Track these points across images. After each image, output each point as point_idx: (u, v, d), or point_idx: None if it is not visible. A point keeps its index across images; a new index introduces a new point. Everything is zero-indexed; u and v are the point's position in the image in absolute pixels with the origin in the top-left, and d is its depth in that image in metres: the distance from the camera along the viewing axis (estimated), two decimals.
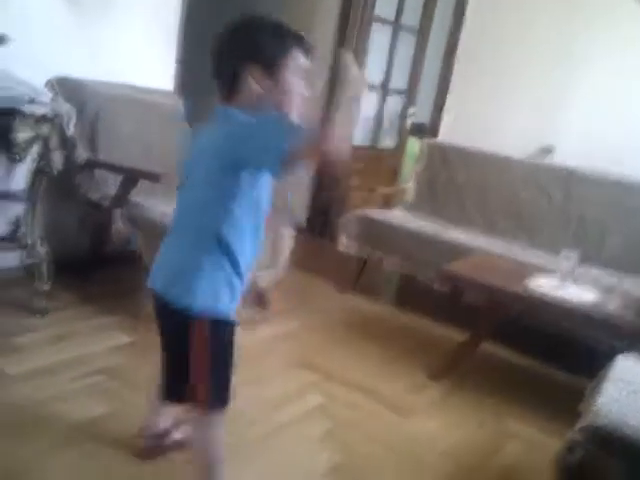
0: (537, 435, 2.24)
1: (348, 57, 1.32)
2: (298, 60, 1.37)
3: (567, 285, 2.45)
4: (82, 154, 2.64)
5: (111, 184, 2.63)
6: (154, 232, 2.42)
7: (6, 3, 2.50)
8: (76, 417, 1.87)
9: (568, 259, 2.51)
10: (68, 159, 2.56)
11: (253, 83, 1.35)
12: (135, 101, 2.93)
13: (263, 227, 1.44)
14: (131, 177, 2.55)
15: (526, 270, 2.63)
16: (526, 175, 3.42)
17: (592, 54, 3.37)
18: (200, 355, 1.39)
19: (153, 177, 2.50)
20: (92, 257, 2.83)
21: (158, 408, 1.70)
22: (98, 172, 2.69)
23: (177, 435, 1.75)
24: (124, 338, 2.45)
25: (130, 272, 2.52)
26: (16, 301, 2.52)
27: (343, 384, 2.39)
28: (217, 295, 1.37)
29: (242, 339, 2.46)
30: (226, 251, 1.36)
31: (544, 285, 2.45)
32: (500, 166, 3.52)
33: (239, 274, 1.40)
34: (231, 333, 1.44)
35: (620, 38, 3.26)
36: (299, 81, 1.38)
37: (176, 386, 1.47)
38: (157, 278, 1.44)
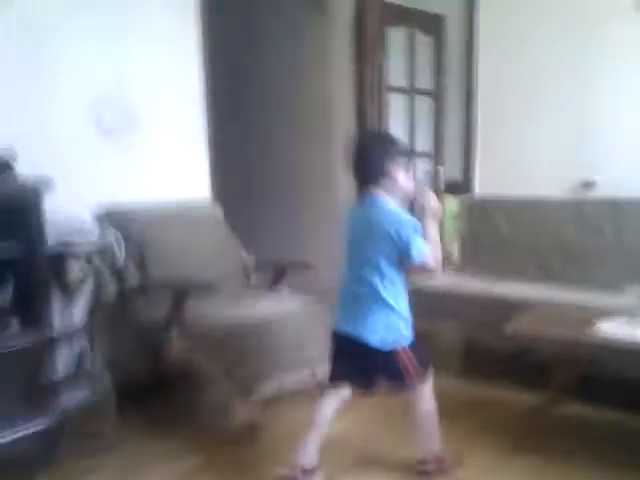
0: None
1: (427, 190, 2.15)
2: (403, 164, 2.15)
3: (638, 323, 2.34)
4: (133, 279, 2.74)
5: (164, 304, 2.70)
6: (215, 342, 2.48)
7: (45, 147, 2.65)
8: None
9: (634, 295, 2.41)
10: (120, 286, 2.66)
11: (397, 175, 2.08)
12: (177, 217, 3.05)
13: None
14: (181, 290, 2.61)
15: (591, 315, 2.51)
16: (572, 213, 3.34)
17: (617, 78, 3.32)
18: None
19: (206, 287, 2.56)
20: (152, 380, 2.85)
21: (311, 450, 2.17)
22: (151, 294, 2.77)
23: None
24: (194, 459, 2.41)
25: (191, 391, 2.52)
26: (84, 435, 2.50)
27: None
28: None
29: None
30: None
31: (614, 328, 2.34)
32: (543, 209, 3.45)
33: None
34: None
35: None
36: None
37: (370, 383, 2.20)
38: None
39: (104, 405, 2.51)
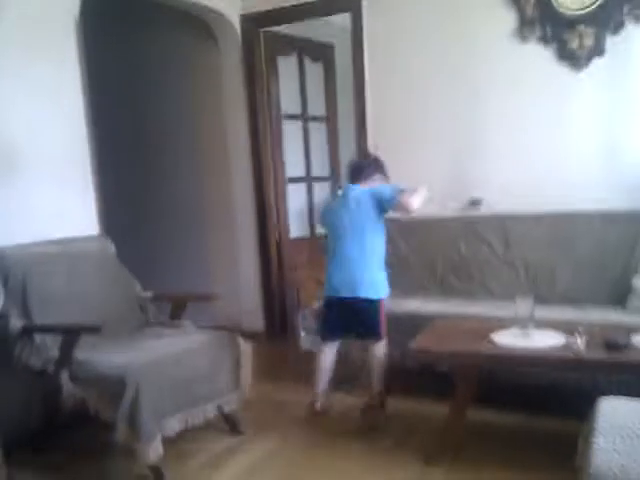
0: None
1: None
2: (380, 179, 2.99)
3: (529, 332, 2.45)
4: (16, 324, 2.52)
5: (52, 347, 2.50)
6: (109, 387, 2.32)
7: None
8: None
9: (523, 306, 2.52)
10: (3, 332, 2.44)
11: (378, 179, 2.96)
12: (61, 255, 2.85)
13: None
14: (70, 335, 2.44)
15: (489, 325, 2.61)
16: (464, 230, 3.49)
17: (500, 101, 3.50)
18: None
19: (93, 330, 2.41)
20: (48, 427, 2.65)
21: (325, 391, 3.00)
22: (37, 337, 2.56)
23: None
24: None
25: (89, 433, 2.36)
26: None
27: None
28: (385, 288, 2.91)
29: (222, 474, 2.33)
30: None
31: (508, 338, 2.44)
32: (437, 227, 3.58)
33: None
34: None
35: (519, 86, 3.45)
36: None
37: (366, 334, 2.89)
38: (351, 287, 2.83)
39: None
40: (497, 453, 2.50)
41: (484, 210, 3.53)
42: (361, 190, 2.87)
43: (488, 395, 2.76)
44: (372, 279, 2.84)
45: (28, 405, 2.67)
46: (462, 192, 3.60)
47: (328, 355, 2.98)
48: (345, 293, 2.84)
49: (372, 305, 2.83)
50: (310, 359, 3.32)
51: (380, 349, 2.89)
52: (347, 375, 3.19)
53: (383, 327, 2.86)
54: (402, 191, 2.76)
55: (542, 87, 3.40)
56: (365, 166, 3.01)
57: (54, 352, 2.48)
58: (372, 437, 2.74)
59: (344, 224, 2.86)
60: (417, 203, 2.75)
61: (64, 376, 2.43)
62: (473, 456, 2.50)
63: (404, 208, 2.75)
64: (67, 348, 2.44)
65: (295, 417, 3.01)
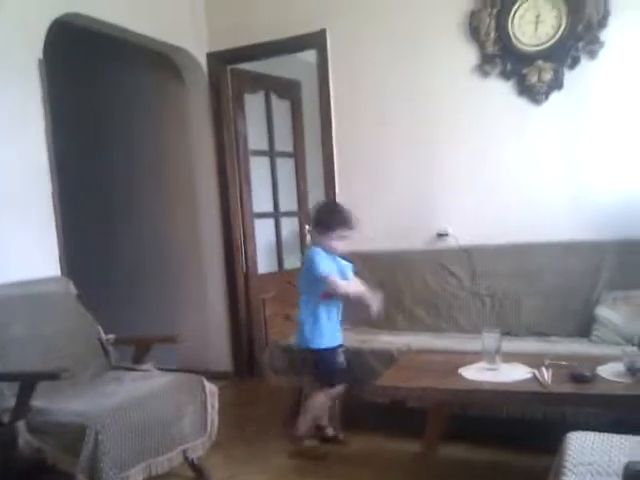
0: None
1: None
2: (343, 232, 2.93)
3: (497, 367, 2.45)
4: None
5: (9, 396, 2.40)
6: (68, 436, 2.24)
7: None
8: None
9: (490, 339, 2.52)
10: None
11: (329, 239, 2.92)
12: (21, 297, 2.77)
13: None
14: (27, 383, 2.35)
15: (458, 360, 2.60)
16: (431, 262, 3.51)
17: (465, 135, 3.56)
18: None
19: (52, 377, 2.33)
20: (3, 478, 2.53)
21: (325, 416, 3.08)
22: None
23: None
24: None
25: None
26: None
27: None
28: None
29: None
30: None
31: (476, 373, 2.43)
32: (404, 259, 3.59)
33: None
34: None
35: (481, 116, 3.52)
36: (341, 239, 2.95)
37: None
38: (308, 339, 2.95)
39: None
40: None
41: (450, 243, 3.56)
42: (308, 253, 2.98)
43: (460, 430, 2.74)
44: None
45: None
46: (429, 225, 3.63)
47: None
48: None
49: (314, 355, 2.96)
50: (282, 396, 3.28)
51: (317, 396, 2.98)
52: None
53: (326, 376, 2.95)
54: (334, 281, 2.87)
55: (503, 120, 3.47)
56: (328, 221, 2.95)
57: (11, 402, 2.39)
58: (342, 475, 2.68)
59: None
60: (347, 290, 2.90)
61: (20, 426, 2.33)
62: None
63: (331, 288, 2.88)
64: (24, 396, 2.34)
65: (267, 463, 2.91)
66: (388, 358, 2.90)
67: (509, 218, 3.43)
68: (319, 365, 2.95)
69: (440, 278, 3.44)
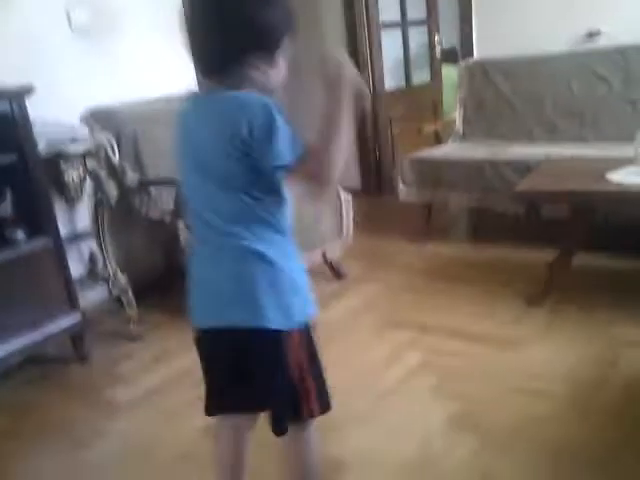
0: None
1: (340, 52, 1.13)
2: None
3: None
4: (132, 177, 2.68)
5: (168, 198, 2.66)
6: None
7: (27, 53, 2.56)
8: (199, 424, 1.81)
9: None
10: (121, 186, 2.62)
11: (259, 75, 1.10)
12: (167, 111, 2.92)
13: None
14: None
15: (602, 166, 2.44)
16: (576, 67, 3.20)
17: None
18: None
19: None
20: (169, 271, 2.90)
21: None
22: (152, 190, 2.73)
23: None
24: None
25: None
26: (110, 331, 2.63)
27: (439, 334, 2.33)
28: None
29: (328, 314, 2.46)
30: None
31: (626, 176, 2.29)
32: (545, 65, 3.31)
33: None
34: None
35: None
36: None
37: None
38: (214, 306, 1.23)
39: (124, 301, 2.55)
40: (604, 296, 2.45)
41: (601, 44, 3.19)
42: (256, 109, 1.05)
43: (599, 238, 2.66)
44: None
45: (150, 251, 2.90)
46: (576, 23, 3.25)
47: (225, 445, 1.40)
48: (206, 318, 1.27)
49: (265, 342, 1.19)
50: (411, 209, 3.34)
51: (304, 443, 1.31)
52: None
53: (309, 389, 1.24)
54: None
55: None
56: (217, 26, 1.08)
57: (170, 204, 2.64)
58: (470, 283, 2.76)
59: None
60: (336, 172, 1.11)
61: (180, 225, 2.60)
62: (578, 299, 2.46)
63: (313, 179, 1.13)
64: (180, 199, 2.59)
65: (397, 266, 3.07)
66: (524, 169, 2.80)
67: None
68: (287, 367, 1.20)
69: (588, 84, 3.15)
